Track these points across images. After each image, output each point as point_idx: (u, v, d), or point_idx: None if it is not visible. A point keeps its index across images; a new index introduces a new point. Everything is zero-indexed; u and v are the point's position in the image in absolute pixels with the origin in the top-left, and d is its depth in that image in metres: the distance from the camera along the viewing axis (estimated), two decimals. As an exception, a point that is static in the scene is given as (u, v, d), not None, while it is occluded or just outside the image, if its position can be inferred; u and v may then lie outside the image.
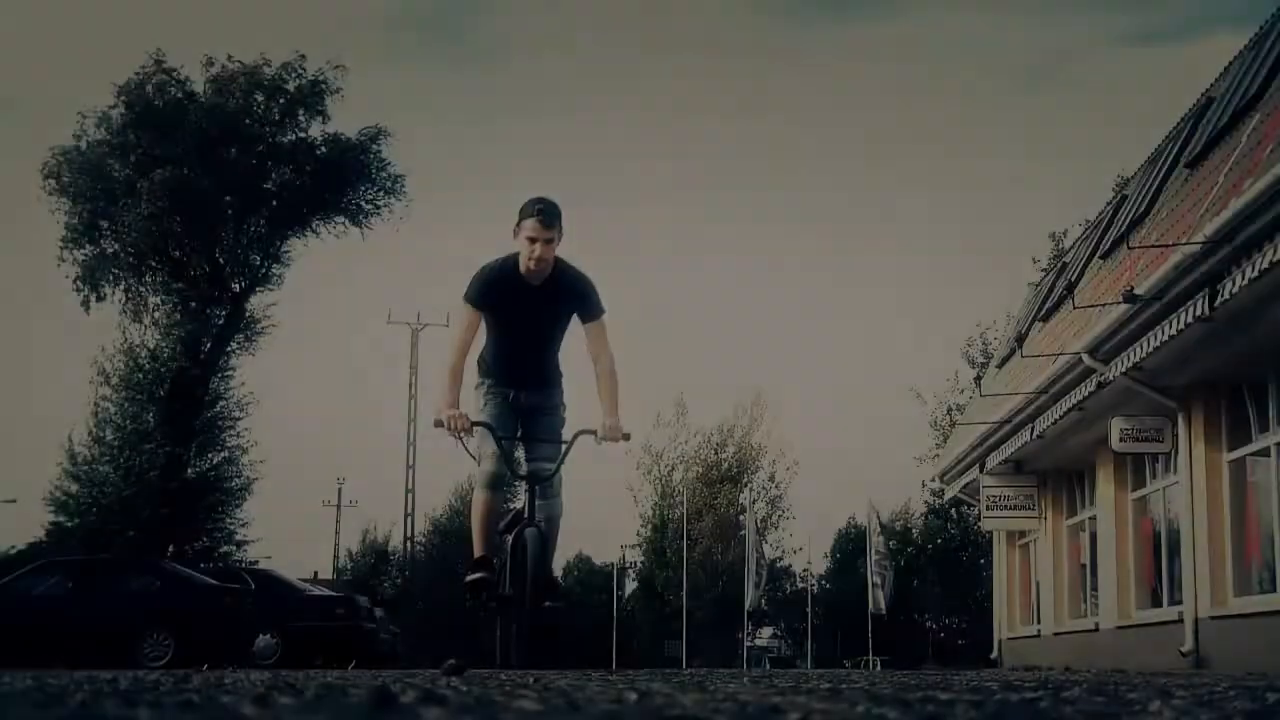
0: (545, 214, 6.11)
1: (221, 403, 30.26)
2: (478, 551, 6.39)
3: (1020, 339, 17.40)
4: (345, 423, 78.47)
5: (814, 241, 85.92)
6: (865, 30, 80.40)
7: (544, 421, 6.39)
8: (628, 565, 53.44)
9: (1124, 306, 11.74)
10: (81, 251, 29.23)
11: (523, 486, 6.36)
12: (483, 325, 6.38)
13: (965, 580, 45.94)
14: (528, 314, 6.25)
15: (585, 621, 50.68)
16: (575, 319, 6.36)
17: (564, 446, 6.29)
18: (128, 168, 28.70)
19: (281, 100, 29.99)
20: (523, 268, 6.13)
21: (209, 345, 29.51)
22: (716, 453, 49.90)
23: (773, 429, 50.81)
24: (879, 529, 31.98)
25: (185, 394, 28.55)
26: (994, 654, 21.33)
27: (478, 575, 6.35)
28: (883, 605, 30.09)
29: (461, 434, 6.11)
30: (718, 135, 79.07)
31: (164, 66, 29.04)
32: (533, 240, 6.07)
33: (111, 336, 29.89)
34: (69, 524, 28.85)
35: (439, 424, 6.13)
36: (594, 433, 6.26)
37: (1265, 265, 9.24)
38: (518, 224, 6.11)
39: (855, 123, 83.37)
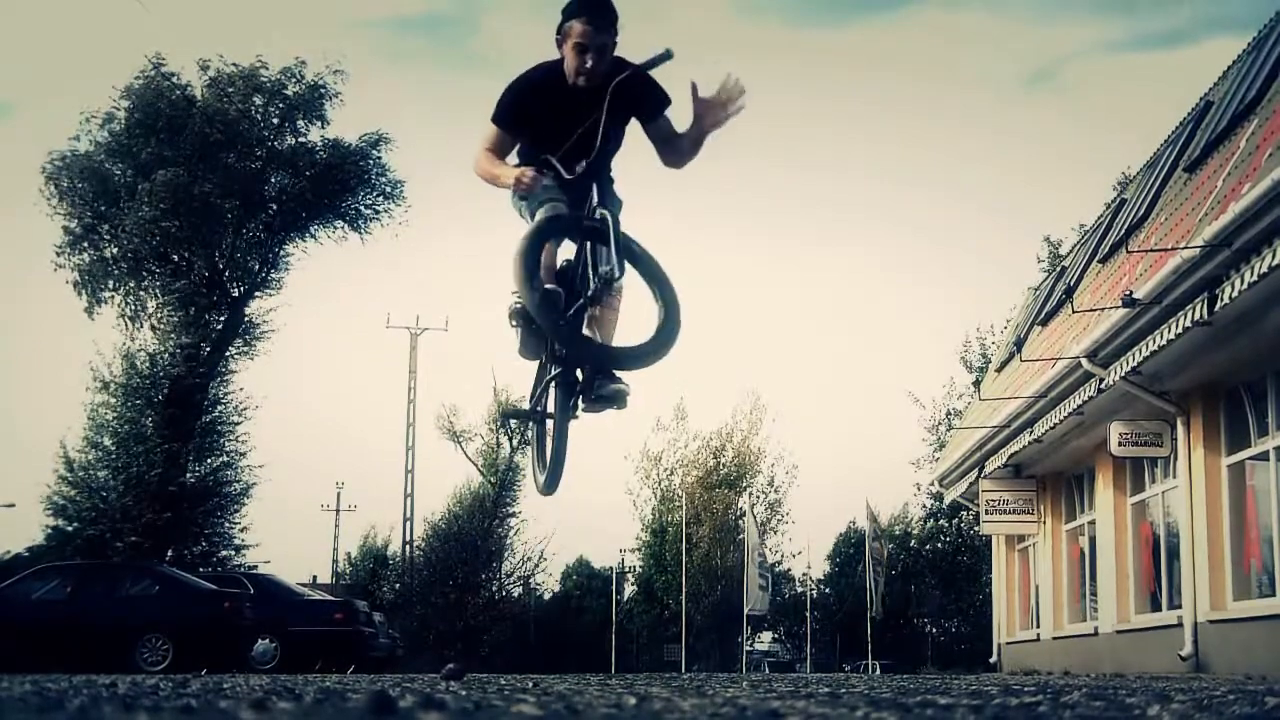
0: (598, 10, 4.80)
1: (220, 407, 30.22)
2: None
3: (1019, 343, 17.40)
4: (344, 427, 78.44)
5: (812, 244, 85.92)
6: (865, 32, 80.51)
7: (607, 185, 5.16)
8: (627, 569, 53.44)
9: (1123, 310, 11.75)
10: (80, 257, 29.24)
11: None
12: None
13: (964, 584, 45.92)
14: (582, 121, 4.95)
15: (584, 625, 50.66)
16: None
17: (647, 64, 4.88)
18: (128, 171, 28.71)
19: (280, 104, 30.00)
20: (569, 76, 4.85)
21: (208, 350, 29.48)
22: (715, 457, 49.88)
23: (772, 433, 50.91)
24: (876, 534, 31.98)
25: (184, 399, 28.51)
26: (993, 658, 21.32)
27: (545, 289, 4.82)
28: (877, 608, 30.10)
29: (535, 185, 4.85)
30: (716, 137, 78.87)
31: (163, 70, 29.07)
32: (582, 49, 4.77)
33: (110, 341, 29.93)
34: (68, 529, 28.82)
35: (502, 182, 4.89)
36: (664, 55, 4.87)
37: (1264, 269, 9.25)
38: (560, 27, 4.83)
39: (855, 125, 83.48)
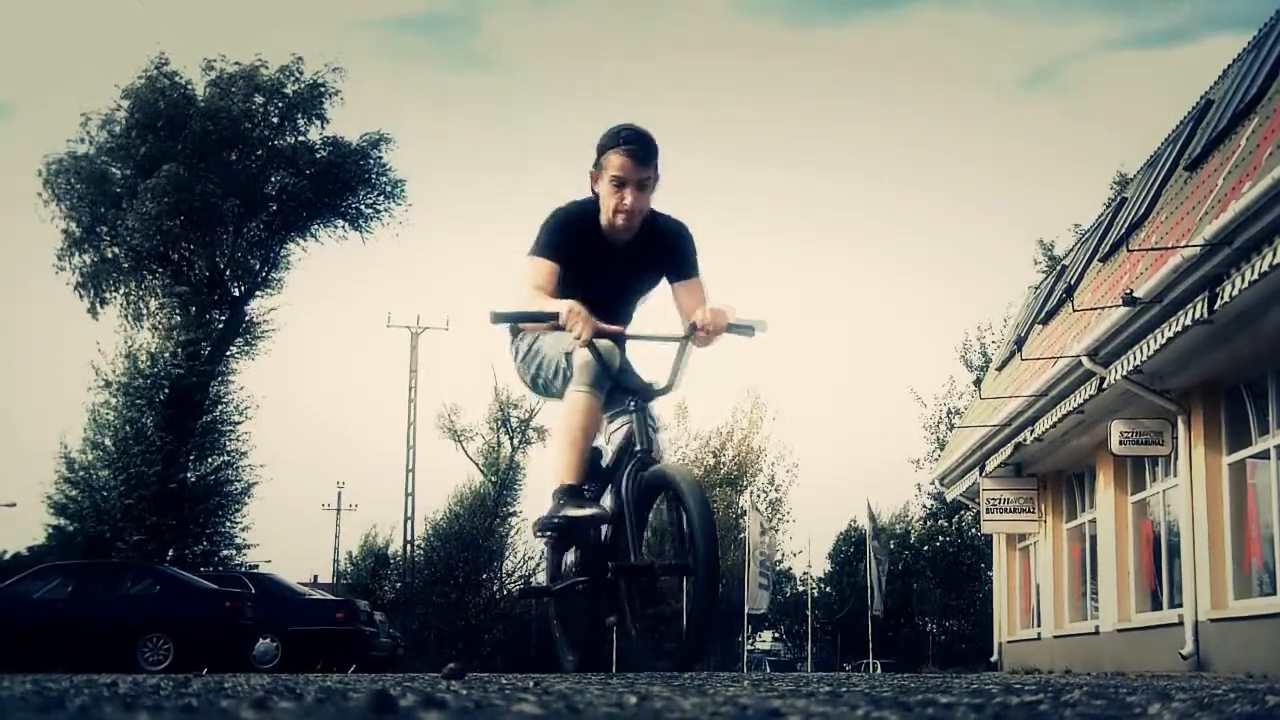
0: (639, 146, 4.42)
1: (221, 407, 30.25)
2: (567, 475, 4.41)
3: (1020, 342, 17.40)
4: (345, 426, 78.47)
5: (812, 244, 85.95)
6: (864, 32, 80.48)
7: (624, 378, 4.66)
8: (627, 569, 53.36)
9: (1124, 309, 11.74)
10: (81, 259, 29.26)
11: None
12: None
13: (965, 583, 45.93)
14: (607, 279, 4.60)
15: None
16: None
17: (678, 349, 4.54)
18: (129, 170, 28.73)
19: (280, 103, 30.02)
20: (604, 220, 4.50)
21: (208, 349, 29.50)
22: (715, 456, 49.89)
23: (772, 432, 50.92)
24: (876, 532, 31.98)
25: (185, 398, 28.54)
26: (994, 657, 21.33)
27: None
28: (879, 607, 30.09)
29: (585, 336, 4.30)
30: (716, 137, 79.04)
31: (165, 70, 29.09)
32: (620, 184, 4.42)
33: (110, 340, 29.95)
34: (69, 528, 28.85)
35: (552, 323, 4.31)
36: (694, 329, 4.53)
37: (1265, 268, 9.25)
38: (597, 162, 4.48)
39: (854, 124, 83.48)
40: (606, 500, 4.52)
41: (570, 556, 4.92)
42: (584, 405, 4.41)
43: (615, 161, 4.41)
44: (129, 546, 26.59)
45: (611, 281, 4.62)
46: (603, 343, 4.42)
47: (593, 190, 4.56)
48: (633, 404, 4.44)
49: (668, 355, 4.69)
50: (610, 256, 4.57)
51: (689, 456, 50.10)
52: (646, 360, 4.83)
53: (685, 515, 4.04)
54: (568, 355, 4.48)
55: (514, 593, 41.82)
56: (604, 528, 4.48)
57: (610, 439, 4.65)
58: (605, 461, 4.62)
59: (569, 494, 4.43)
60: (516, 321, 4.38)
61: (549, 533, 4.58)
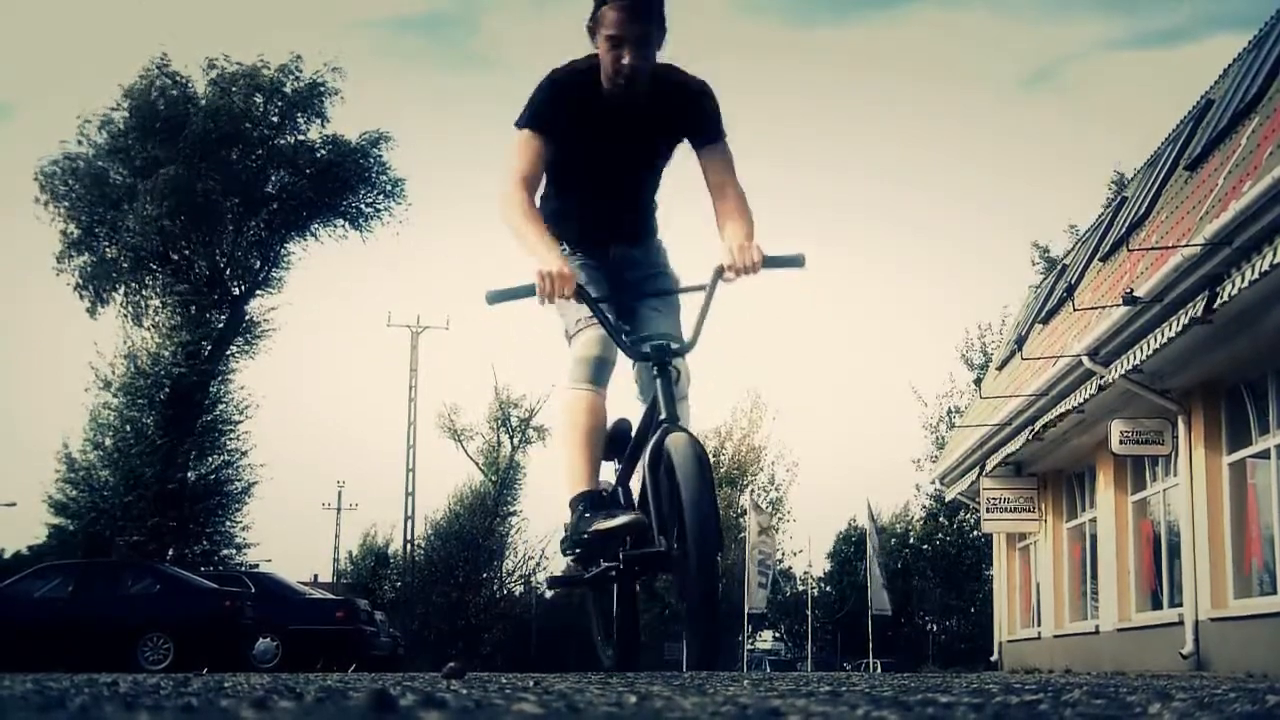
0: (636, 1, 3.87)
1: (221, 406, 30.25)
2: (580, 482, 4.03)
3: (1020, 341, 17.40)
4: (345, 426, 78.51)
5: (812, 244, 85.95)
6: (864, 32, 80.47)
7: (651, 285, 4.28)
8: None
9: (1124, 309, 11.74)
10: (80, 260, 29.25)
11: (633, 379, 4.21)
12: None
13: (966, 583, 45.94)
14: (612, 145, 4.13)
15: (585, 624, 50.61)
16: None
17: (705, 295, 4.04)
18: (128, 171, 28.72)
19: (279, 102, 30.01)
20: (605, 81, 3.99)
21: (209, 348, 29.50)
22: (715, 456, 49.90)
23: (772, 431, 50.92)
24: (877, 531, 32.00)
25: (185, 398, 28.54)
26: (994, 656, 21.33)
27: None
28: (886, 606, 30.07)
29: (560, 299, 3.86)
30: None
31: (167, 70, 29.08)
32: (616, 43, 3.90)
33: (109, 341, 29.97)
34: (69, 527, 28.86)
35: (530, 293, 3.85)
36: (721, 272, 4.00)
37: (1265, 268, 9.24)
38: (593, 15, 3.95)
39: (854, 124, 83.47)
40: (635, 481, 4.16)
41: None
42: (587, 405, 4.07)
43: (609, 18, 3.87)
44: (129, 546, 26.59)
45: (619, 151, 4.15)
46: (591, 333, 4.03)
47: (594, 48, 4.02)
48: (655, 369, 3.95)
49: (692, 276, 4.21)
50: (615, 122, 4.06)
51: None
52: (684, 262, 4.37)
53: (675, 492, 3.63)
54: (569, 332, 4.14)
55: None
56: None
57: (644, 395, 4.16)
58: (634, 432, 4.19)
59: (590, 503, 4.01)
60: (511, 298, 3.94)
61: (578, 550, 4.10)
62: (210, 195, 28.54)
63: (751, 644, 46.05)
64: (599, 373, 4.07)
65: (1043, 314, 18.66)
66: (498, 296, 3.96)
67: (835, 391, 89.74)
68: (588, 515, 3.96)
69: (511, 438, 45.46)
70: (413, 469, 43.38)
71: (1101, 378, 12.90)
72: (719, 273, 3.99)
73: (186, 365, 28.35)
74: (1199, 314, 10.35)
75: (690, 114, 4.15)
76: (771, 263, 4.02)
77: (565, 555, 4.23)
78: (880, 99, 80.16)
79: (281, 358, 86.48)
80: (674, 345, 4.04)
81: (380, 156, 31.15)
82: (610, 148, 4.12)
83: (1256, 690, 3.13)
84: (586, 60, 4.04)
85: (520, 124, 4.05)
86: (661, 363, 3.94)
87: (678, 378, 4.00)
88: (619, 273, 4.28)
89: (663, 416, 3.84)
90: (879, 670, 29.02)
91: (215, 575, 20.65)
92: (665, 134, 4.19)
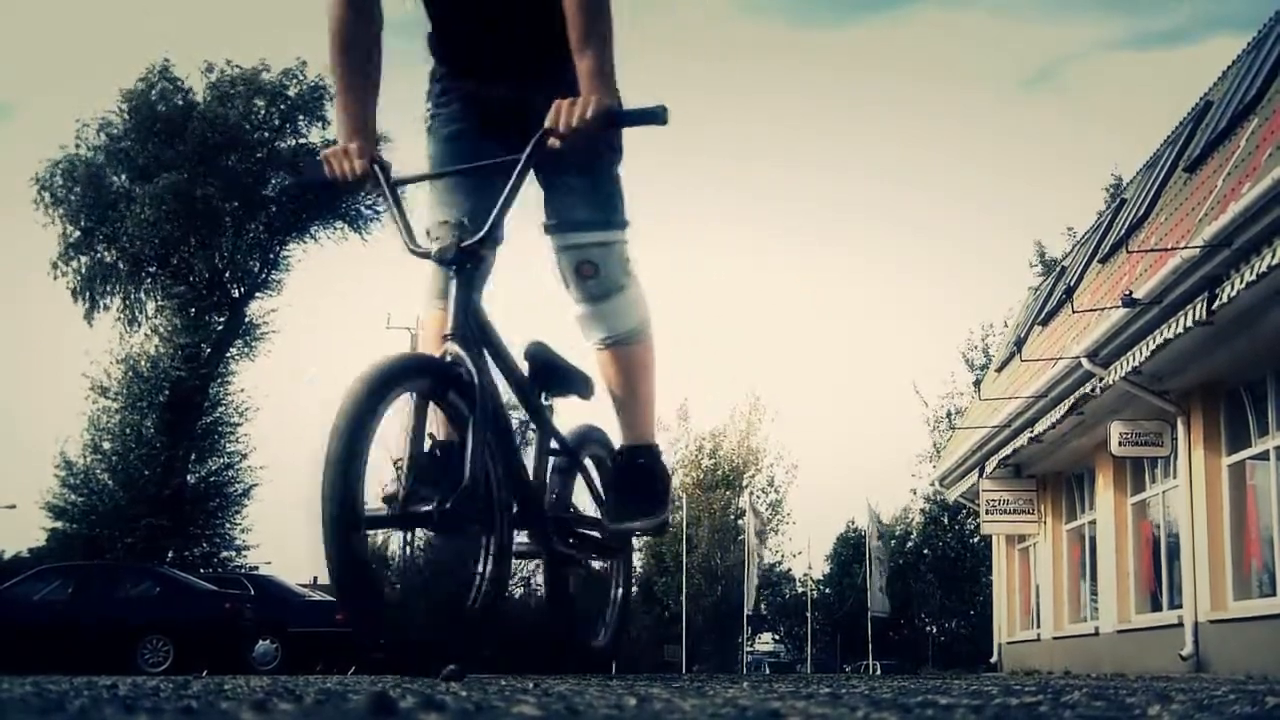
0: None
1: (221, 409, 30.27)
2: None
3: (1019, 343, 17.41)
4: (344, 427, 78.21)
5: (813, 243, 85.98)
6: (864, 32, 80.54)
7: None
8: (627, 570, 53.34)
9: (1123, 310, 11.75)
10: (77, 262, 29.26)
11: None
12: None
13: (965, 584, 45.94)
14: None
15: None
16: None
17: (518, 166, 3.08)
18: (128, 175, 28.73)
19: (282, 106, 30.04)
20: None
21: (208, 351, 29.52)
22: (712, 457, 49.87)
23: (771, 432, 50.90)
24: (877, 533, 32.01)
25: (184, 400, 28.55)
26: (994, 658, 21.33)
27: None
28: (885, 607, 30.09)
29: (350, 177, 3.18)
30: (716, 137, 79.10)
31: (167, 74, 29.10)
32: None
33: (107, 346, 29.96)
34: (69, 530, 28.86)
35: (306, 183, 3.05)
36: (544, 136, 3.03)
37: (1264, 269, 9.25)
38: None
39: (854, 125, 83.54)
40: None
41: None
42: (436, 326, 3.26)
43: None
44: (129, 548, 26.60)
45: None
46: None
47: None
48: (451, 271, 3.10)
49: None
50: None
51: (687, 457, 50.12)
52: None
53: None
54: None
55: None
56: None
57: None
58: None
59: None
60: (308, 189, 3.02)
61: None
62: (210, 199, 28.55)
63: (751, 646, 46.10)
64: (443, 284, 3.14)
65: (1042, 315, 18.67)
66: (294, 187, 3.04)
67: (835, 392, 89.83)
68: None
69: (511, 439, 45.41)
70: (412, 471, 43.36)
71: (1101, 379, 12.91)
72: (541, 138, 3.04)
73: (186, 368, 28.36)
74: (1199, 316, 10.36)
75: None
76: (611, 120, 3.04)
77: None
78: (880, 99, 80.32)
79: (281, 360, 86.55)
80: (464, 239, 3.06)
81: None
82: None
83: (1256, 692, 3.13)
84: None
85: None
86: (448, 261, 3.05)
87: (603, 288, 3.18)
88: (508, 111, 3.30)
89: (447, 330, 3.02)
90: (878, 672, 29.02)
91: (215, 577, 20.64)
92: None
